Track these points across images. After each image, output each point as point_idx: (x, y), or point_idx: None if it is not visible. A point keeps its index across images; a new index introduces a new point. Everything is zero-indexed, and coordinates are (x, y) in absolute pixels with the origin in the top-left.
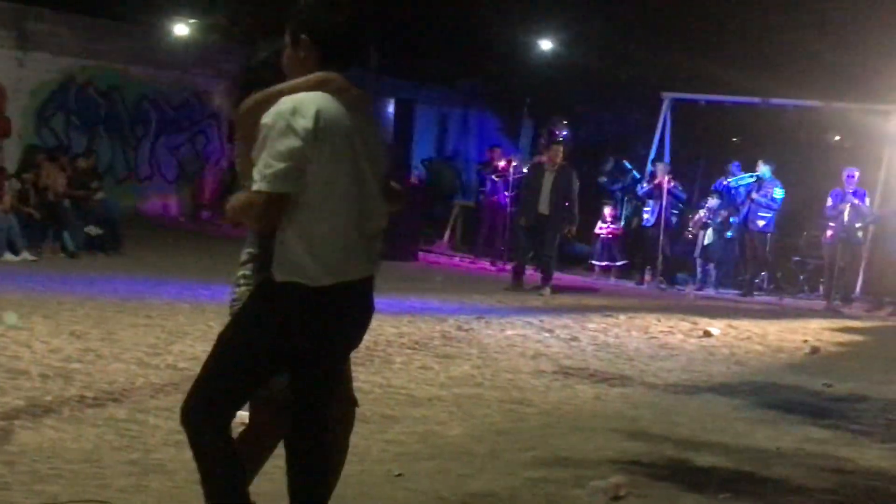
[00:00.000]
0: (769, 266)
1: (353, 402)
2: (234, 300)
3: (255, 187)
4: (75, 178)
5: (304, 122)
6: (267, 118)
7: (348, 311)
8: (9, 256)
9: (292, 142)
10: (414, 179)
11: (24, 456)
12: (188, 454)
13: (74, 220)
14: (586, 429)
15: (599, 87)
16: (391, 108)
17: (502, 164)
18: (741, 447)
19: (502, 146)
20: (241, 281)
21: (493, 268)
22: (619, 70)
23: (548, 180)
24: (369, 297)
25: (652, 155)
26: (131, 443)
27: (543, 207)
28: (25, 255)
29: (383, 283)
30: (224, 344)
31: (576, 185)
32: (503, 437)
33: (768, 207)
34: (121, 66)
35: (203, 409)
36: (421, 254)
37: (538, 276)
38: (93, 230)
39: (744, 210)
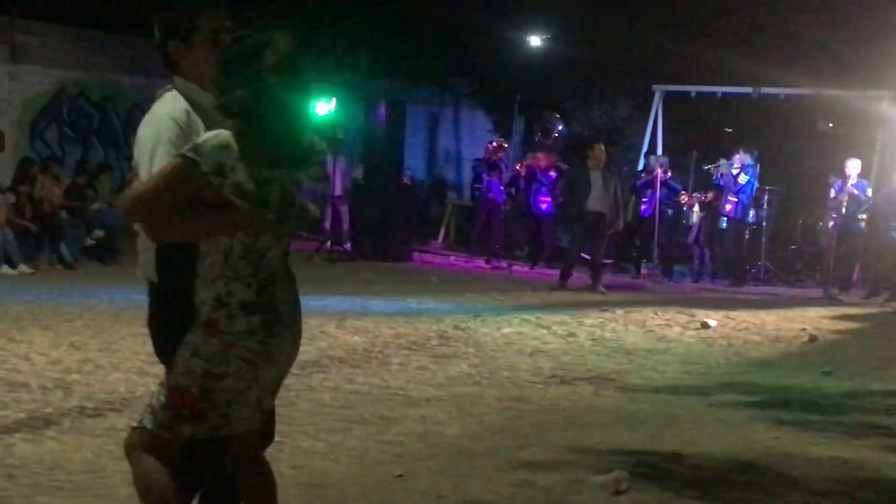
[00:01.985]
0: (735, 251)
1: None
2: None
3: None
4: (70, 190)
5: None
6: None
7: None
8: (6, 270)
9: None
10: (407, 180)
11: (26, 468)
12: None
13: (71, 231)
14: (585, 425)
15: (590, 81)
16: (382, 111)
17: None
18: (741, 440)
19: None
20: None
21: (487, 266)
22: (608, 63)
23: (596, 178)
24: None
25: (645, 147)
26: None
27: (597, 205)
28: (23, 268)
29: (379, 285)
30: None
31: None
32: (501, 436)
33: (734, 192)
34: (112, 77)
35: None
36: (415, 254)
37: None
38: (97, 234)
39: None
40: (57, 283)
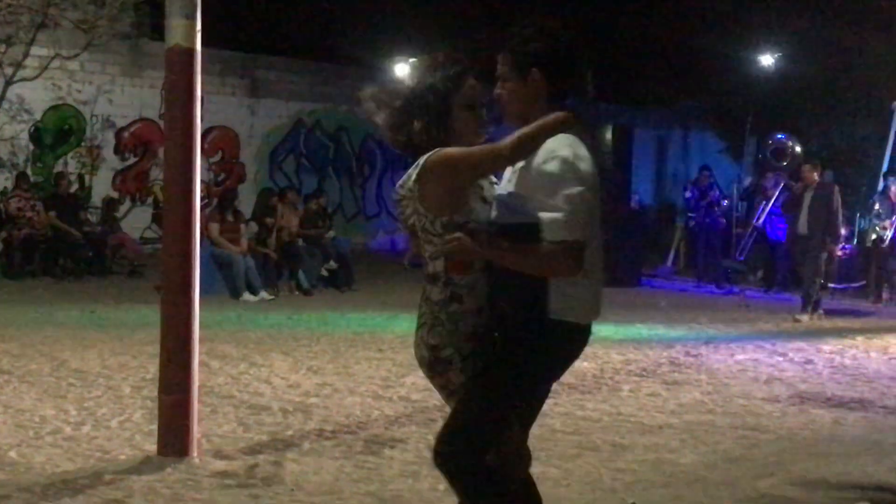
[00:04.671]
0: None
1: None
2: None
3: (563, 237)
4: (306, 218)
5: (585, 167)
6: (551, 166)
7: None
8: (248, 296)
9: (585, 189)
10: (634, 204)
11: (268, 489)
12: (425, 485)
13: (308, 258)
14: (825, 454)
15: (826, 99)
16: (609, 135)
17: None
18: None
19: (716, 168)
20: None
21: (718, 291)
22: (846, 80)
23: (807, 200)
24: None
25: (884, 168)
26: (369, 474)
27: (804, 227)
28: (263, 294)
29: (608, 310)
30: (495, 386)
31: (837, 201)
32: (737, 465)
33: None
34: (346, 108)
35: (463, 452)
36: (644, 279)
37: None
38: (332, 265)
39: None
40: (295, 309)
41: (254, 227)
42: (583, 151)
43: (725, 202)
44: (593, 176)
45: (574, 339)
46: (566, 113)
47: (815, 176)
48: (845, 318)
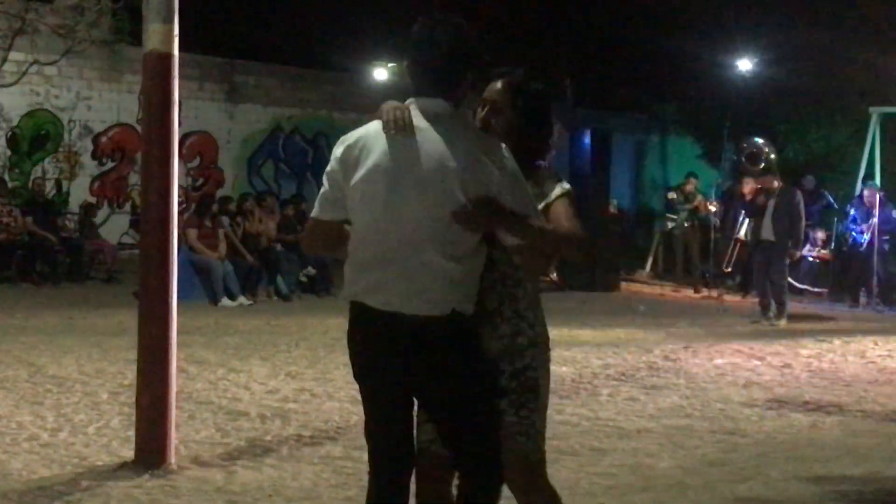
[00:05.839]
0: None
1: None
2: None
3: None
4: (284, 223)
5: (337, 150)
6: None
7: (376, 338)
8: (226, 302)
9: (328, 169)
10: (612, 209)
11: (247, 495)
12: None
13: (286, 264)
14: (804, 458)
15: (804, 105)
16: (587, 139)
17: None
18: None
19: (700, 172)
20: None
21: (696, 295)
22: (824, 85)
23: (770, 205)
24: (418, 338)
25: (861, 173)
26: (347, 480)
27: (766, 233)
28: (242, 299)
29: (587, 315)
30: None
31: (799, 207)
32: (716, 469)
33: None
34: (325, 113)
35: (374, 469)
36: (623, 283)
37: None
38: (310, 271)
39: None
40: (274, 315)
41: (227, 220)
42: (350, 136)
43: (714, 208)
44: (345, 157)
45: (352, 317)
46: (387, 102)
47: (776, 183)
48: (822, 322)
